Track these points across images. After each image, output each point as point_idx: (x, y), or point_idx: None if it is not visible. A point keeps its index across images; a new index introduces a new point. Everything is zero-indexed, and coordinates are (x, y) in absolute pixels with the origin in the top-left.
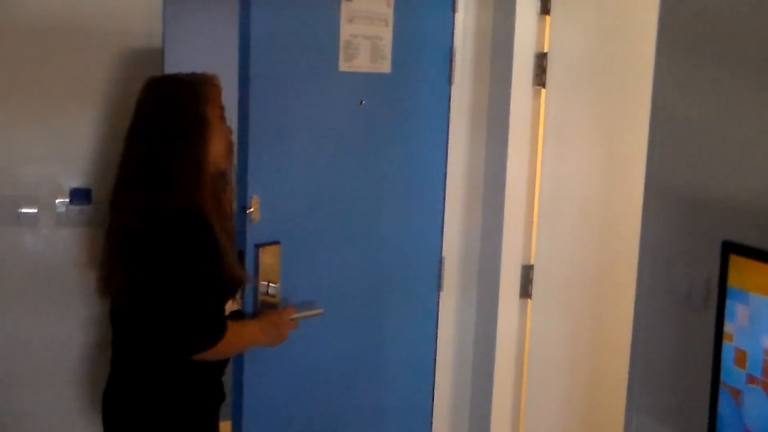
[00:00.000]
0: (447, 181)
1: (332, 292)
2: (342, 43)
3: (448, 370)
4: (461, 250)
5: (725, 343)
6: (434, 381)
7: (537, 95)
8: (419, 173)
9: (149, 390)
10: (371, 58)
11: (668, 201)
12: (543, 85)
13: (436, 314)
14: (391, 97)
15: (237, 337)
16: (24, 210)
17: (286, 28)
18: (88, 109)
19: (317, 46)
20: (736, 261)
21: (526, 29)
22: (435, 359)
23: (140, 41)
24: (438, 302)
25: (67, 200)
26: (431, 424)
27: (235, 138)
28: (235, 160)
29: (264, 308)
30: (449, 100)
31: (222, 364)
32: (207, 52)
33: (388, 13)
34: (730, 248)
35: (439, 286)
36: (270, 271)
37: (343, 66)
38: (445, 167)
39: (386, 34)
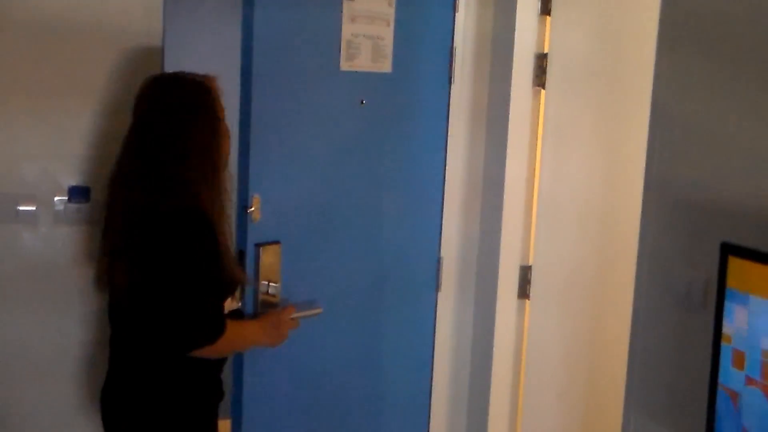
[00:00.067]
0: (446, 181)
1: (331, 291)
2: (344, 43)
3: (446, 370)
4: (459, 251)
5: (723, 344)
6: (432, 381)
7: (537, 96)
8: (418, 173)
9: (148, 387)
10: (372, 58)
11: (667, 202)
12: (543, 85)
13: (434, 314)
14: (392, 96)
15: (236, 335)
16: (22, 207)
17: (288, 27)
18: (87, 107)
19: (319, 45)
20: (734, 262)
21: (527, 30)
22: (432, 359)
23: (140, 39)
24: (436, 302)
25: (66, 198)
26: (429, 423)
27: (234, 138)
28: (235, 160)
29: (264, 308)
30: (449, 100)
31: (220, 362)
32: (207, 50)
33: (390, 12)
34: (728, 250)
35: (437, 286)
36: (270, 271)
37: (345, 65)
38: (444, 167)
39: (387, 34)
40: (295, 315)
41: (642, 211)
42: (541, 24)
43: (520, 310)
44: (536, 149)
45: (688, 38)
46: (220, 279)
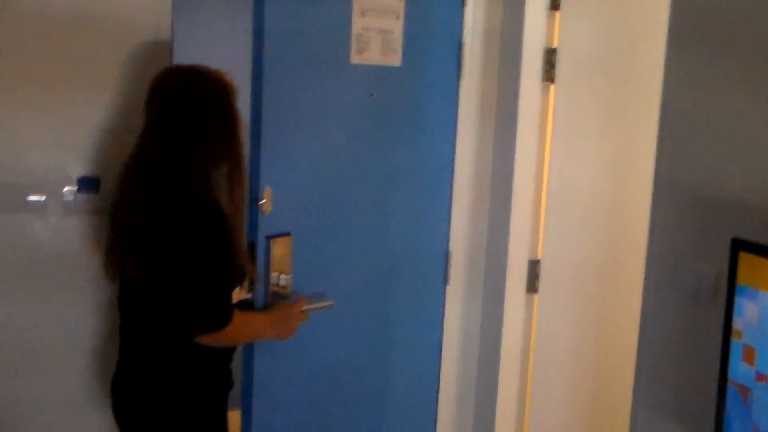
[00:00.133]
0: (455, 175)
1: (341, 284)
2: (354, 36)
3: (454, 363)
4: (468, 244)
5: (734, 340)
6: (439, 374)
7: (546, 91)
8: (427, 166)
9: (158, 376)
10: (382, 51)
11: (677, 197)
12: (552, 80)
13: (442, 308)
14: (401, 90)
15: (244, 325)
16: (32, 198)
17: (299, 21)
18: (96, 97)
19: (330, 38)
20: (745, 258)
21: (536, 24)
22: (440, 353)
23: (149, 31)
24: (444, 296)
25: (75, 188)
26: (436, 416)
27: (245, 130)
28: (246, 153)
29: (275, 300)
30: (458, 95)
31: (229, 352)
32: (216, 42)
33: (399, 6)
34: (739, 245)
35: (445, 280)
36: (281, 263)
37: (355, 58)
38: (453, 161)
39: (397, 28)
40: (305, 308)
41: (651, 206)
42: (551, 19)
43: (529, 305)
44: (545, 144)
45: (698, 33)
46: (229, 269)
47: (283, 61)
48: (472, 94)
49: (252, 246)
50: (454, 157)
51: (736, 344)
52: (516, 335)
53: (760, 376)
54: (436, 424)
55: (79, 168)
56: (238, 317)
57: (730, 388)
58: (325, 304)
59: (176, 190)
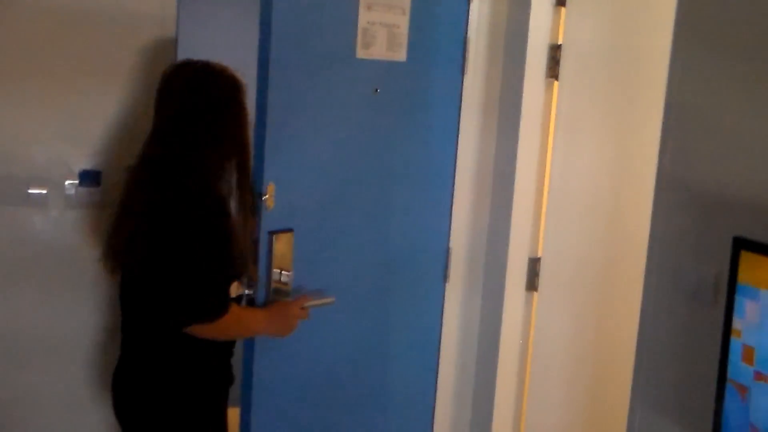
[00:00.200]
0: (456, 172)
1: (342, 280)
2: (360, 30)
3: (453, 360)
4: (468, 242)
5: (733, 339)
6: (438, 371)
7: (550, 87)
8: (430, 163)
9: (158, 371)
10: (388, 46)
11: (679, 196)
12: (556, 77)
13: (442, 305)
14: (406, 85)
15: (240, 320)
16: (33, 191)
17: (307, 14)
18: (99, 91)
19: (336, 32)
20: (747, 257)
21: (541, 20)
22: (439, 350)
23: (154, 23)
24: (444, 293)
25: (77, 182)
26: (434, 412)
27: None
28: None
29: (276, 297)
30: (461, 90)
31: (229, 346)
32: (220, 37)
33: (406, 1)
34: (741, 244)
35: (445, 277)
36: (283, 259)
37: (361, 53)
38: (455, 157)
39: (403, 23)
40: (307, 304)
41: (653, 205)
42: (556, 15)
43: (528, 302)
44: (548, 141)
45: (703, 31)
46: (228, 263)
47: (289, 55)
48: (475, 89)
49: (255, 242)
50: (456, 154)
51: (735, 343)
52: (515, 333)
53: (759, 376)
54: (433, 420)
55: (81, 161)
56: (234, 311)
57: (729, 387)
58: (327, 300)
59: (181, 188)
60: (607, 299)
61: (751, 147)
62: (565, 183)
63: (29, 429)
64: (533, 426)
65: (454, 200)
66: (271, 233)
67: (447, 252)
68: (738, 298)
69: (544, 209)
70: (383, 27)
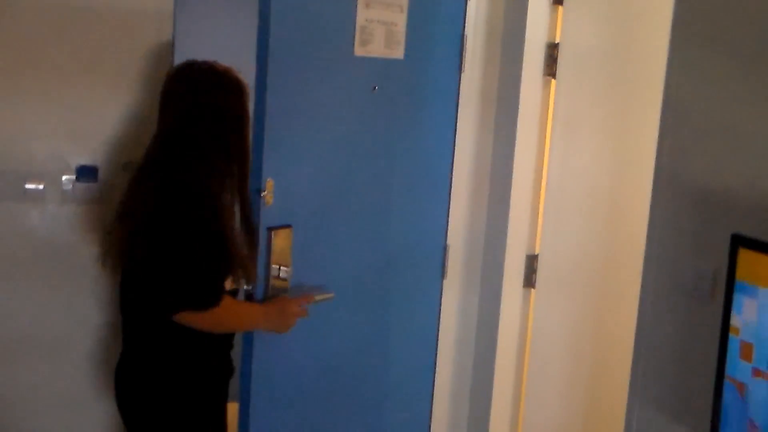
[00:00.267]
0: (454, 169)
1: (339, 277)
2: (358, 28)
3: (450, 357)
4: (466, 239)
5: (731, 336)
6: (435, 368)
7: (547, 85)
8: (427, 160)
9: (160, 364)
10: (386, 44)
11: (677, 193)
12: (553, 75)
13: (440, 301)
14: (403, 83)
15: (233, 312)
16: (30, 186)
17: (305, 11)
18: (97, 87)
19: (335, 30)
20: (745, 254)
21: (538, 19)
22: (437, 346)
23: (151, 20)
24: (441, 290)
25: (74, 177)
26: (431, 408)
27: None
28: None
29: (275, 293)
30: (459, 88)
31: (229, 338)
32: (218, 32)
33: None
34: (739, 241)
35: (442, 274)
36: (282, 255)
37: (359, 51)
38: (453, 154)
39: (401, 20)
40: (308, 303)
41: (651, 202)
42: (553, 13)
43: (526, 300)
44: (545, 138)
45: (701, 29)
46: (221, 257)
47: (287, 52)
48: (473, 87)
49: (253, 237)
50: (453, 151)
51: (733, 340)
52: (512, 330)
53: (757, 372)
54: (431, 416)
55: (78, 157)
56: (228, 303)
57: (727, 384)
58: (326, 296)
59: (180, 186)
60: (605, 296)
61: (749, 144)
62: (562, 180)
63: (29, 426)
64: (531, 421)
65: (452, 197)
66: (270, 229)
67: (445, 249)
68: (736, 295)
69: (541, 206)
70: (381, 25)
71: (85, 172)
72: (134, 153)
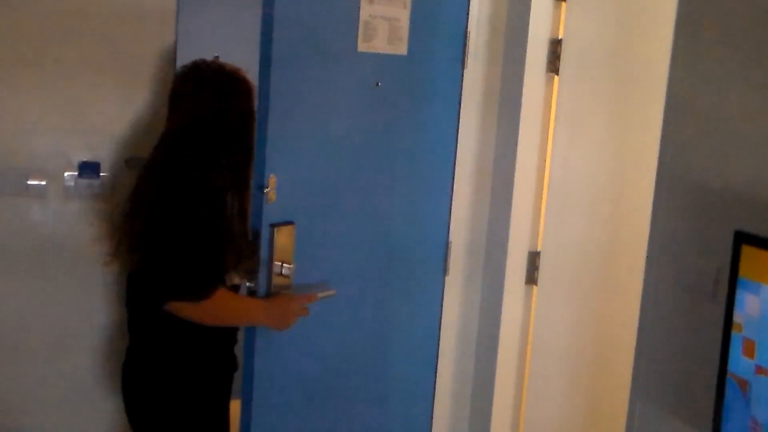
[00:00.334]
0: (456, 165)
1: (342, 273)
2: (361, 24)
3: (452, 354)
4: (468, 235)
5: (734, 333)
6: (437, 364)
7: (550, 82)
8: (430, 156)
9: (165, 359)
10: (389, 40)
11: (680, 190)
12: (556, 71)
13: (442, 298)
14: (406, 79)
15: (230, 305)
16: (32, 182)
17: (309, 7)
18: (99, 83)
19: (338, 25)
20: (748, 251)
21: (542, 15)
22: (439, 343)
23: (154, 16)
24: (443, 286)
25: (76, 173)
26: (433, 405)
27: None
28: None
29: (278, 289)
30: (462, 84)
31: (232, 333)
32: (221, 28)
33: None
34: (742, 238)
35: (445, 271)
36: (284, 252)
37: (362, 46)
38: (455, 151)
39: (404, 16)
40: (309, 302)
41: (654, 199)
42: (556, 9)
43: (528, 296)
44: (548, 135)
45: (705, 26)
46: (221, 251)
47: (291, 48)
48: (476, 84)
49: (256, 234)
50: (456, 148)
51: (736, 337)
52: (514, 327)
53: (760, 370)
54: (432, 413)
55: (80, 153)
56: (223, 296)
57: (730, 381)
58: (328, 293)
59: (185, 182)
60: (607, 293)
61: (752, 141)
62: (565, 177)
63: (34, 423)
64: (532, 419)
65: (454, 193)
66: (273, 226)
67: (447, 245)
68: (739, 292)
69: (544, 203)
70: (384, 20)
71: (88, 169)
72: (137, 149)
